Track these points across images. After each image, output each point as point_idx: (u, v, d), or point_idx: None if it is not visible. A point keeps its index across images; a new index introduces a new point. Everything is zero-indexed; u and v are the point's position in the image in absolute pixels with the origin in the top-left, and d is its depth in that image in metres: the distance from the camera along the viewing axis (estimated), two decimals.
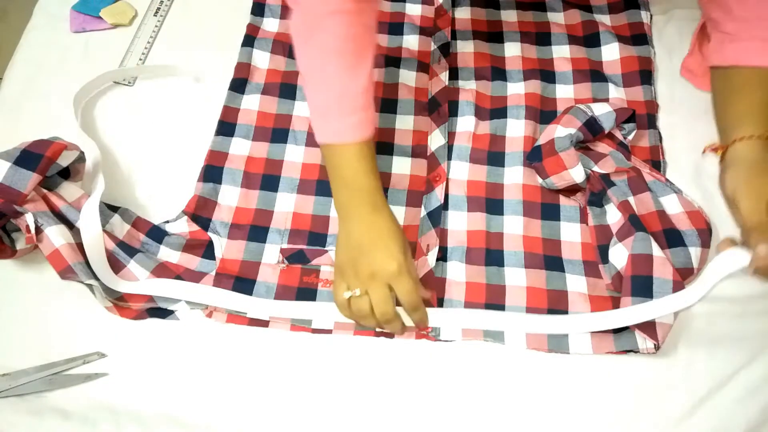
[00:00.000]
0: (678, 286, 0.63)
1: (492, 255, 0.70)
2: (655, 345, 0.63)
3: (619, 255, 0.66)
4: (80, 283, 0.65)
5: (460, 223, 0.73)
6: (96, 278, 0.65)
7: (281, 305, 0.68)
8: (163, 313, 0.67)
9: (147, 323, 0.67)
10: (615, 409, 0.63)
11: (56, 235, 0.65)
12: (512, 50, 0.85)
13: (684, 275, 0.65)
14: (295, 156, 0.77)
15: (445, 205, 0.73)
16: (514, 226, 0.72)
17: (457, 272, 0.69)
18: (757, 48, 0.67)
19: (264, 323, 0.67)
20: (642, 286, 0.63)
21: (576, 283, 0.68)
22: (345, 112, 0.62)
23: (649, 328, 0.62)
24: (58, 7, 0.89)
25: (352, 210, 0.62)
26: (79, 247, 0.66)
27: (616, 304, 0.66)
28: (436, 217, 0.72)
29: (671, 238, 0.67)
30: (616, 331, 0.65)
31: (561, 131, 0.71)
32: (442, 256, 0.70)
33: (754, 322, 0.66)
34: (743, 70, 0.68)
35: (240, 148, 0.77)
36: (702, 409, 0.62)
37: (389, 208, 0.63)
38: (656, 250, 0.64)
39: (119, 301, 0.67)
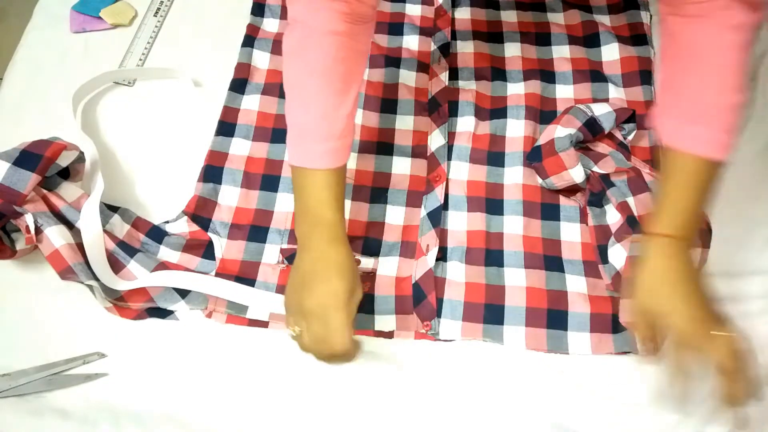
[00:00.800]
0: None
1: (492, 255, 0.70)
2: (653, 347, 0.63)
3: (618, 255, 0.67)
4: (80, 283, 0.65)
5: (460, 223, 0.73)
6: (96, 278, 0.65)
7: (225, 285, 0.67)
8: (162, 313, 0.67)
9: (147, 323, 0.67)
10: (615, 409, 0.63)
11: (56, 236, 0.65)
12: (512, 50, 0.85)
13: None
14: None
15: (445, 205, 0.73)
16: (514, 226, 0.72)
17: (456, 272, 0.69)
18: (672, 129, 0.61)
19: (264, 323, 0.67)
20: None
21: (576, 284, 0.68)
22: (321, 138, 0.61)
23: None
24: (58, 7, 0.89)
25: (309, 240, 0.61)
26: (79, 247, 0.66)
27: (615, 304, 0.66)
28: (436, 217, 0.72)
29: None
30: (615, 331, 0.65)
31: (561, 131, 0.71)
32: (442, 256, 0.71)
33: (754, 322, 0.66)
34: (670, 149, 0.62)
35: (240, 148, 0.77)
36: (701, 410, 0.62)
37: (346, 243, 0.61)
38: None
39: (119, 301, 0.67)
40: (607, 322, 0.66)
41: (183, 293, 0.67)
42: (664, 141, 0.62)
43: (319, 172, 0.61)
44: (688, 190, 0.60)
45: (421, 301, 0.67)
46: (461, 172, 0.76)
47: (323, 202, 0.61)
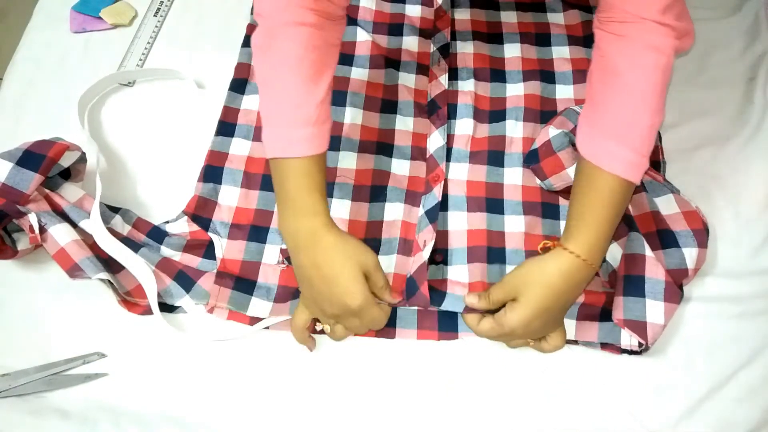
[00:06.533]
0: (670, 287, 0.63)
1: (493, 253, 0.70)
2: (640, 344, 0.63)
3: (615, 254, 0.67)
4: (89, 279, 0.64)
5: (461, 223, 0.72)
6: (105, 271, 0.65)
7: None
8: (170, 307, 0.67)
9: (147, 324, 0.67)
10: (615, 409, 0.63)
11: (61, 234, 0.65)
12: (512, 51, 0.85)
13: (678, 276, 0.65)
14: None
15: (445, 206, 0.73)
16: (515, 225, 0.72)
17: (459, 273, 0.69)
18: (591, 143, 0.62)
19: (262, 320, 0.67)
20: (634, 286, 0.64)
21: None
22: (295, 124, 0.60)
23: (639, 327, 0.62)
24: (58, 7, 0.89)
25: (295, 242, 0.60)
26: (85, 243, 0.66)
27: (609, 299, 0.66)
28: (433, 213, 0.72)
29: (665, 238, 0.67)
30: (602, 320, 0.65)
31: (554, 131, 0.72)
32: (443, 260, 0.70)
33: (754, 322, 0.66)
34: (583, 160, 0.62)
35: (240, 148, 0.77)
36: (702, 409, 0.62)
37: (330, 230, 0.60)
38: (648, 251, 0.65)
39: (128, 296, 0.67)
40: (595, 314, 0.66)
41: (187, 288, 0.67)
42: (583, 153, 0.62)
43: (296, 161, 0.60)
44: (602, 209, 0.60)
45: (414, 293, 0.67)
46: (461, 173, 0.76)
47: (302, 188, 0.60)
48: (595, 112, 0.63)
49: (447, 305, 0.66)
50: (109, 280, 0.65)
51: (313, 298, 0.61)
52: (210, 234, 0.71)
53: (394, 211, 0.73)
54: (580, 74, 0.82)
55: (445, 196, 0.74)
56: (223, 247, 0.71)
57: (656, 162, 0.75)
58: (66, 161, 0.69)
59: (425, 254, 0.69)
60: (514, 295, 0.60)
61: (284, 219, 0.61)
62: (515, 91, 0.81)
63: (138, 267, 0.66)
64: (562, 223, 0.72)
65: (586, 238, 0.60)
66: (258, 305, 0.67)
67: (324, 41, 0.62)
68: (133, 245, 0.69)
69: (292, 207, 0.61)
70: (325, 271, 0.59)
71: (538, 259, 0.61)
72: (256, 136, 0.78)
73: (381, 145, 0.78)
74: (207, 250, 0.71)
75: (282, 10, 0.60)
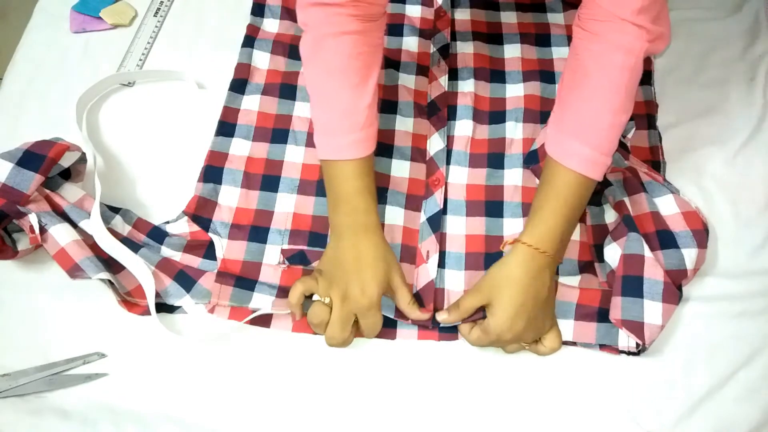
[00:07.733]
0: (668, 288, 0.63)
1: (490, 259, 0.70)
2: (638, 344, 0.63)
3: (613, 254, 0.67)
4: (89, 279, 0.64)
5: (459, 227, 0.72)
6: (105, 271, 0.65)
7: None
8: (170, 308, 0.67)
9: (147, 324, 0.67)
10: (615, 409, 0.63)
11: (61, 234, 0.65)
12: (512, 51, 0.85)
13: (677, 277, 0.65)
14: (295, 156, 0.77)
15: (444, 210, 0.73)
16: (513, 229, 0.72)
17: (454, 280, 0.69)
18: (556, 141, 0.65)
19: (266, 322, 0.67)
20: (632, 286, 0.64)
21: (570, 282, 0.69)
22: (346, 130, 0.64)
23: (636, 327, 0.62)
24: (58, 7, 0.89)
25: (343, 230, 0.65)
26: (85, 243, 0.66)
27: (606, 298, 0.66)
28: (436, 222, 0.72)
29: (664, 239, 0.67)
30: (600, 321, 0.65)
31: None
32: (440, 262, 0.70)
33: (753, 322, 0.66)
34: (548, 157, 0.65)
35: (240, 148, 0.77)
36: (702, 409, 0.62)
37: (379, 232, 0.65)
38: (647, 251, 0.65)
39: (128, 296, 0.67)
40: (593, 314, 0.66)
41: (188, 288, 0.67)
42: (548, 151, 0.65)
43: (347, 163, 0.65)
44: (556, 202, 0.63)
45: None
46: (460, 176, 0.76)
47: (354, 189, 0.65)
48: (562, 111, 0.65)
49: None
50: (109, 280, 0.65)
51: (333, 273, 0.63)
52: (210, 234, 0.71)
53: (394, 216, 0.73)
54: None
55: (444, 200, 0.74)
56: (223, 247, 0.71)
57: (656, 162, 0.75)
58: (66, 161, 0.69)
59: (431, 271, 0.69)
60: (486, 301, 0.62)
61: (336, 215, 0.66)
62: (515, 91, 0.81)
63: (138, 268, 0.66)
64: None
65: (539, 229, 0.63)
66: (260, 299, 0.67)
67: (368, 45, 0.65)
68: (133, 245, 0.69)
69: (343, 206, 0.65)
70: (360, 257, 0.63)
71: (500, 261, 0.64)
72: (256, 136, 0.78)
73: (380, 146, 0.77)
74: (207, 251, 0.71)
75: (324, 21, 0.63)
